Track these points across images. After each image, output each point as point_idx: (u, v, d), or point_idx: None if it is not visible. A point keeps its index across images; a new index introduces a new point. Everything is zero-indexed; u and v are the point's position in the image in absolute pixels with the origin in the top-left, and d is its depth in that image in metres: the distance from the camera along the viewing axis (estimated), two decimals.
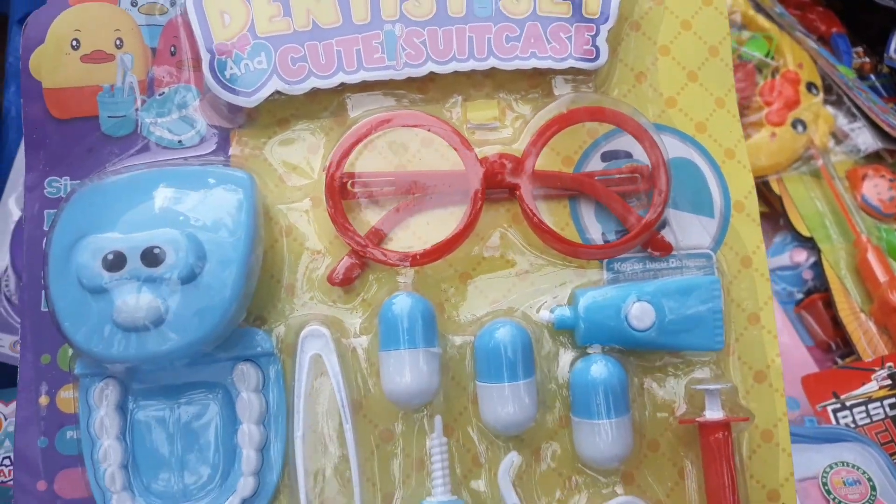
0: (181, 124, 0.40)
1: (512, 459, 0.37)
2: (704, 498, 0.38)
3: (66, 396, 0.38)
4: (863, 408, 0.60)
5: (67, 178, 0.40)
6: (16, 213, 0.60)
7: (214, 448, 0.37)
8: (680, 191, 0.41)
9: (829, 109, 0.74)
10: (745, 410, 0.39)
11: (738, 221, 0.41)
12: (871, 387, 0.61)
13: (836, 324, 0.67)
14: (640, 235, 0.39)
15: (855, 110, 0.73)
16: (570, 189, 0.41)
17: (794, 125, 0.71)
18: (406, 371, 0.36)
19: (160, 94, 0.41)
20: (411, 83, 0.40)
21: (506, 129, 0.41)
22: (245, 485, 0.36)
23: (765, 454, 0.39)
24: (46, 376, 0.38)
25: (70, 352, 0.38)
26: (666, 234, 0.40)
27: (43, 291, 0.37)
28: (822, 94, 0.72)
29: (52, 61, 0.40)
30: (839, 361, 0.66)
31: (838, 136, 0.74)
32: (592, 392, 0.37)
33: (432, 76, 0.40)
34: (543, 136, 0.39)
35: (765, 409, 0.39)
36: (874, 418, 0.60)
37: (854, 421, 0.60)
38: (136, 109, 0.40)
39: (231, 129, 0.41)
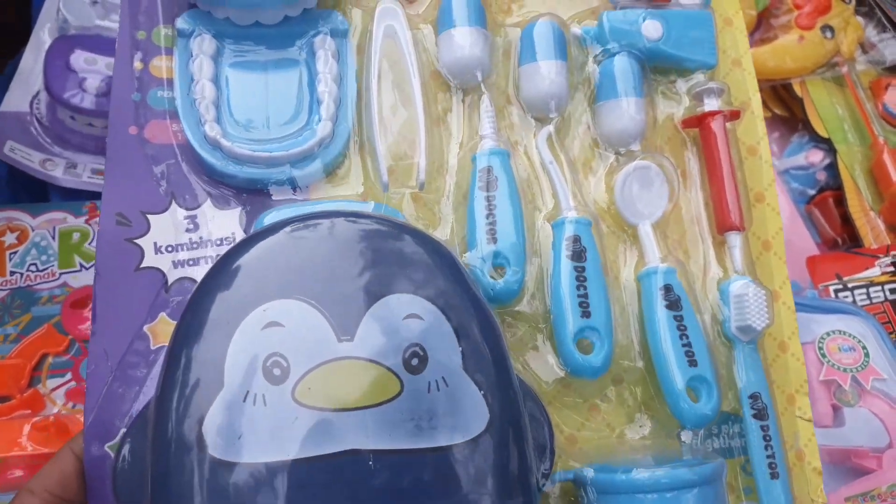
0: None
1: (549, 130, 0.44)
2: (708, 193, 0.45)
3: (158, 65, 0.43)
4: (864, 290, 0.63)
5: None
6: (48, 42, 0.64)
7: (298, 98, 0.42)
8: None
9: (860, 19, 0.74)
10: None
11: None
12: (873, 272, 0.63)
13: (845, 221, 0.70)
14: None
15: (886, 22, 0.74)
16: None
17: (822, 30, 0.71)
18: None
19: None
20: None
21: None
22: (324, 127, 0.41)
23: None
24: (142, 47, 0.43)
25: (163, 31, 0.44)
26: None
27: None
28: (853, 3, 0.73)
29: None
30: None
31: (865, 47, 0.74)
32: (614, 77, 0.44)
33: None
34: None
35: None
36: (874, 300, 0.62)
37: (854, 301, 0.62)
38: None
39: None
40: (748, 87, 0.49)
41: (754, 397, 0.42)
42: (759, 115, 0.48)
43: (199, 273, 0.40)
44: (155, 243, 0.41)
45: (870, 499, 0.53)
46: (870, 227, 0.68)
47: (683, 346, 0.40)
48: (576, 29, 0.46)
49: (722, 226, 0.44)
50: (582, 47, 0.46)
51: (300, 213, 0.36)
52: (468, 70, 0.43)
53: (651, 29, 0.46)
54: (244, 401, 0.32)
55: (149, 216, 0.41)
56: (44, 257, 0.62)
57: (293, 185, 0.41)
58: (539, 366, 0.41)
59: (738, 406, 0.42)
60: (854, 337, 0.57)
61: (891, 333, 0.59)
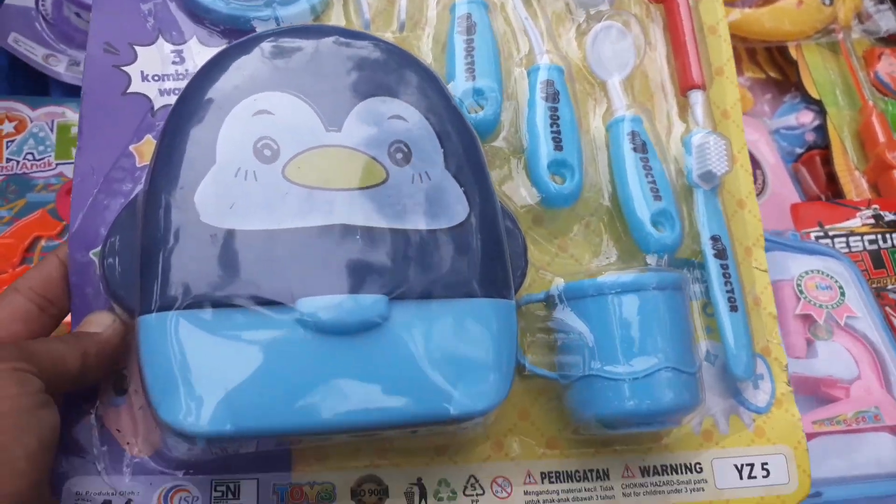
0: None
1: None
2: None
3: None
4: (843, 239, 0.65)
5: None
6: None
7: None
8: None
9: None
10: None
11: None
12: (854, 222, 0.66)
13: (830, 180, 0.73)
14: None
15: None
16: None
17: None
18: None
19: None
20: None
21: None
22: None
23: None
24: None
25: None
26: None
27: None
28: None
29: None
30: None
31: (862, 16, 0.77)
32: None
33: None
34: None
35: None
36: (853, 249, 0.65)
37: (834, 248, 0.64)
38: None
39: None
40: None
41: (715, 239, 0.44)
42: (720, 1, 0.51)
43: None
44: (142, 72, 0.41)
45: (836, 423, 0.56)
46: (854, 185, 0.72)
47: (649, 182, 0.42)
48: None
49: (684, 85, 0.47)
50: None
51: (295, 25, 0.38)
52: None
53: None
54: (235, 175, 0.33)
55: (136, 47, 0.42)
56: (41, 147, 0.63)
57: (277, 23, 0.43)
58: (514, 196, 0.42)
59: (699, 251, 0.44)
60: (831, 277, 0.60)
61: (867, 280, 0.62)
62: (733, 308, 0.43)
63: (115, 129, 0.40)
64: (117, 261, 0.34)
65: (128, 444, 0.36)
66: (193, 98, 0.35)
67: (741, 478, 0.42)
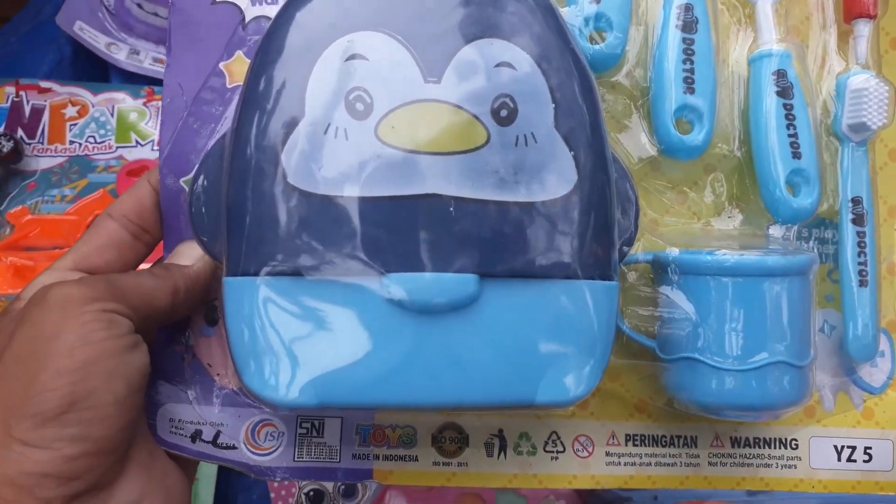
0: None
1: None
2: None
3: None
4: None
5: None
6: None
7: None
8: None
9: None
10: None
11: None
12: None
13: None
14: None
15: None
16: None
17: None
18: None
19: None
20: None
21: None
22: None
23: None
24: None
25: None
26: None
27: None
28: None
29: None
30: None
31: None
32: None
33: None
34: None
35: None
36: None
37: None
38: None
39: None
40: None
41: (855, 201, 0.39)
42: None
43: None
44: None
45: None
46: None
47: (790, 136, 0.37)
48: None
49: (851, 11, 0.39)
50: None
51: None
52: None
53: None
54: (325, 133, 0.30)
55: None
56: (102, 131, 0.67)
57: None
58: (630, 143, 0.38)
59: (836, 210, 0.39)
60: None
61: None
62: (863, 283, 0.39)
63: (204, 44, 0.37)
64: (204, 207, 0.33)
65: (218, 375, 0.37)
66: (281, 36, 0.31)
67: (839, 459, 0.39)
